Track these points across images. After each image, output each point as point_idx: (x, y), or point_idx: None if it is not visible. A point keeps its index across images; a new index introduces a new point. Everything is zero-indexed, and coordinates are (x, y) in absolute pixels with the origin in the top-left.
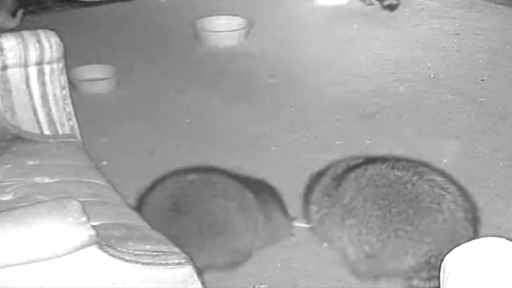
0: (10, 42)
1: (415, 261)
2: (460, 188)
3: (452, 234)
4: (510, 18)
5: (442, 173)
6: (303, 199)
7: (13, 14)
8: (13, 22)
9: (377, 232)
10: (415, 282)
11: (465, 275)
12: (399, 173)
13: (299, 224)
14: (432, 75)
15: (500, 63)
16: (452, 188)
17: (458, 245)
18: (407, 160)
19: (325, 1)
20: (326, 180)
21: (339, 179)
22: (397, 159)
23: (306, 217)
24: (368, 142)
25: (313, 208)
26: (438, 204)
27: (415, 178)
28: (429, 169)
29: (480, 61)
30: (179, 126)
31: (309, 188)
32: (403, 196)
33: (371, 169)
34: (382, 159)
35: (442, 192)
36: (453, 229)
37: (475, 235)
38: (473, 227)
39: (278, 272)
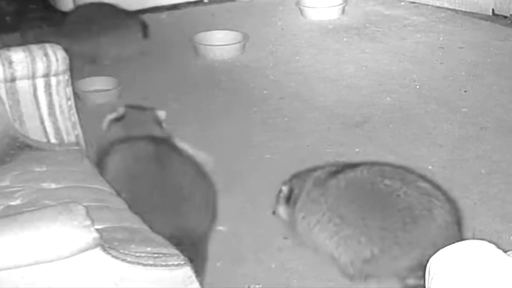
0: (18, 55)
1: (410, 263)
2: (444, 192)
3: (444, 237)
4: (491, 32)
5: (424, 178)
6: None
7: None
8: None
9: (375, 240)
10: (411, 282)
11: (449, 276)
12: (388, 182)
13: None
14: (417, 87)
15: (482, 75)
16: (437, 193)
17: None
18: (391, 165)
19: (317, 17)
20: (309, 185)
21: (323, 185)
22: (381, 165)
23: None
24: (357, 150)
25: (299, 214)
26: (429, 211)
27: (404, 186)
28: (414, 175)
29: (463, 73)
30: (179, 135)
31: (293, 193)
32: (395, 203)
33: (358, 175)
34: (364, 165)
35: (430, 198)
36: (445, 233)
37: (461, 237)
38: (459, 230)
39: (272, 273)
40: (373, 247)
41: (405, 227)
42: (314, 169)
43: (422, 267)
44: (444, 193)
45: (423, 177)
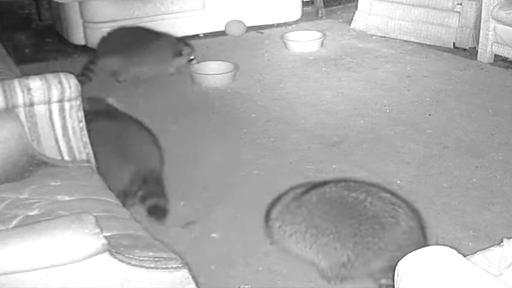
0: (36, 83)
1: (382, 265)
2: (404, 201)
3: (410, 240)
4: (452, 63)
5: (385, 189)
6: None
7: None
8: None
9: (349, 246)
10: (383, 281)
11: (415, 278)
12: (354, 194)
13: None
14: (388, 111)
15: (444, 101)
16: (399, 202)
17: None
18: (355, 180)
19: (299, 49)
20: (287, 200)
21: (299, 199)
22: (346, 180)
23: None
24: (334, 166)
25: (276, 223)
26: (394, 218)
27: (369, 197)
28: (376, 188)
29: (428, 99)
30: (177, 153)
31: (273, 208)
32: (363, 213)
33: (328, 190)
34: (332, 182)
35: (397, 208)
36: (410, 236)
37: (425, 240)
38: (423, 233)
39: (260, 275)
40: (348, 252)
41: (374, 233)
42: (290, 189)
43: (393, 268)
44: (405, 202)
45: (384, 189)
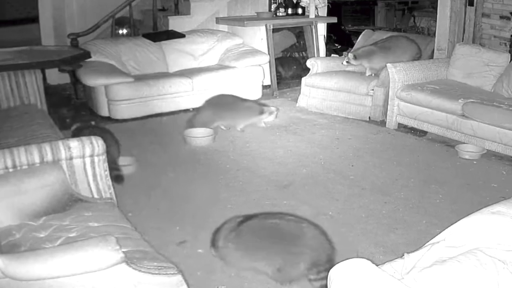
0: (74, 143)
1: (306, 266)
2: (309, 221)
3: (319, 244)
4: (368, 129)
5: (291, 214)
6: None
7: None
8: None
9: (279, 255)
10: (312, 277)
11: (342, 281)
12: (272, 221)
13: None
14: (322, 163)
15: (362, 156)
16: (305, 221)
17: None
18: (269, 213)
19: None
20: (226, 233)
21: (236, 230)
22: (271, 213)
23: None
24: (285, 202)
25: (225, 250)
26: (301, 230)
27: (277, 220)
28: (287, 215)
29: (351, 154)
30: (174, 192)
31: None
32: (281, 231)
33: (254, 221)
34: (256, 215)
35: (301, 224)
36: (318, 241)
37: (331, 242)
38: (326, 238)
39: (232, 279)
40: (279, 260)
41: (291, 243)
42: (226, 222)
43: (316, 266)
44: (306, 219)
45: (292, 214)
